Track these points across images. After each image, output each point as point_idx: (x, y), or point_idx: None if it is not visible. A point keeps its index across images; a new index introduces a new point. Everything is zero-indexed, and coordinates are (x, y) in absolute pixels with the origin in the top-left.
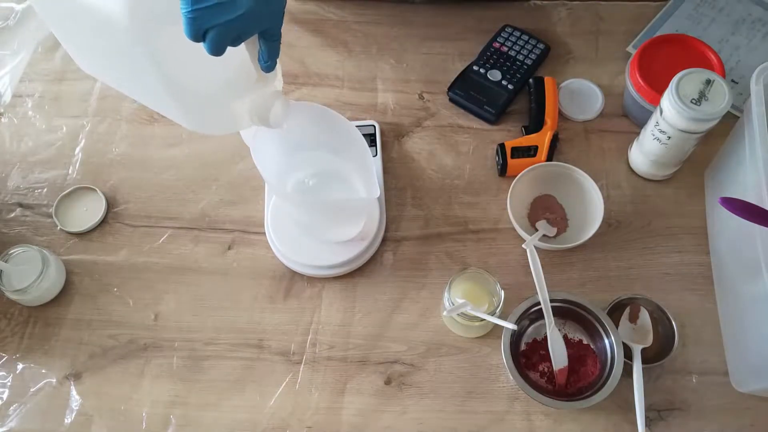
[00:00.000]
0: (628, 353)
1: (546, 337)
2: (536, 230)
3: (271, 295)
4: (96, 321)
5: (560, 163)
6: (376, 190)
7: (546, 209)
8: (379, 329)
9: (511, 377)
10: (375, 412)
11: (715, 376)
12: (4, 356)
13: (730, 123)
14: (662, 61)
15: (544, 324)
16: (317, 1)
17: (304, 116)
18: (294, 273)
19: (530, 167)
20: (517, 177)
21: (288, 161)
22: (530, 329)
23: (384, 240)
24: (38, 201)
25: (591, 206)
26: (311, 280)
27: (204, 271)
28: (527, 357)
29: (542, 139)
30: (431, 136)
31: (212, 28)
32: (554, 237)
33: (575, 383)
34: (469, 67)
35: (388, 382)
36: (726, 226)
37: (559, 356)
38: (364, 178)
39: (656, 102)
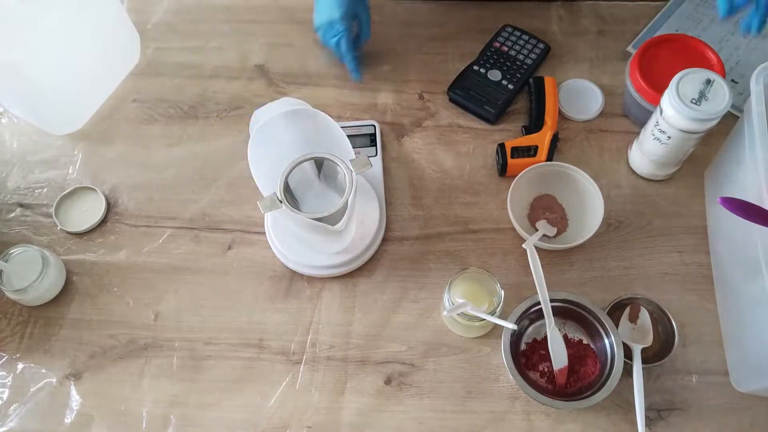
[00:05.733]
0: (628, 353)
1: (546, 337)
2: (536, 230)
3: (271, 295)
4: (96, 321)
5: (560, 163)
6: (343, 224)
7: (546, 209)
8: (379, 329)
9: (511, 377)
10: (375, 412)
11: (715, 376)
12: (4, 356)
13: (730, 123)
14: (662, 61)
15: (544, 324)
16: None
17: (299, 119)
18: (294, 273)
19: (530, 167)
20: (517, 177)
21: (281, 166)
22: (530, 329)
23: (384, 240)
24: (38, 201)
25: (591, 206)
26: (311, 280)
27: (204, 271)
28: (527, 357)
29: (542, 139)
30: (431, 136)
31: None
32: (554, 237)
33: (575, 383)
34: (469, 67)
35: (388, 382)
36: (726, 226)
37: (559, 356)
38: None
39: (656, 102)
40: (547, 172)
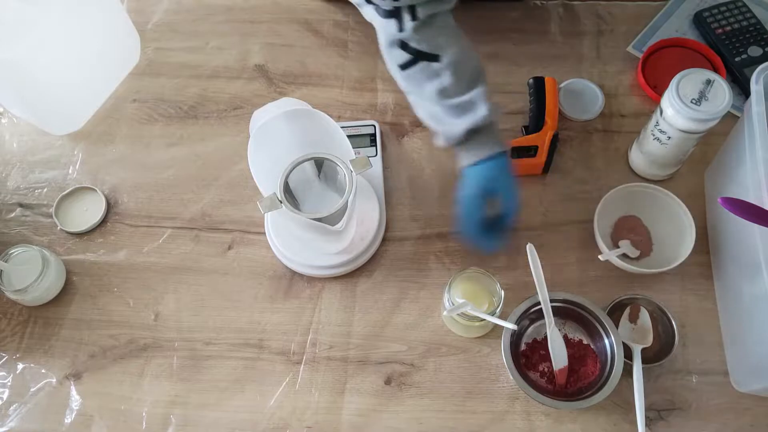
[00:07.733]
0: (628, 353)
1: (546, 337)
2: (617, 247)
3: (271, 295)
4: (96, 321)
5: (649, 184)
6: (343, 224)
7: (630, 230)
8: (379, 329)
9: (511, 377)
10: (375, 412)
11: (715, 376)
12: (4, 356)
13: (730, 123)
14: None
15: (544, 324)
16: (321, 1)
17: (299, 119)
18: (294, 273)
19: (620, 186)
20: (606, 195)
21: (281, 166)
22: (530, 329)
23: (384, 240)
24: (38, 201)
25: (679, 230)
26: (311, 280)
27: (204, 271)
28: (527, 357)
29: (542, 139)
30: (431, 136)
31: None
32: (636, 259)
33: (575, 383)
34: None
35: (388, 382)
36: (726, 226)
37: (559, 356)
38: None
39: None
40: (634, 193)
